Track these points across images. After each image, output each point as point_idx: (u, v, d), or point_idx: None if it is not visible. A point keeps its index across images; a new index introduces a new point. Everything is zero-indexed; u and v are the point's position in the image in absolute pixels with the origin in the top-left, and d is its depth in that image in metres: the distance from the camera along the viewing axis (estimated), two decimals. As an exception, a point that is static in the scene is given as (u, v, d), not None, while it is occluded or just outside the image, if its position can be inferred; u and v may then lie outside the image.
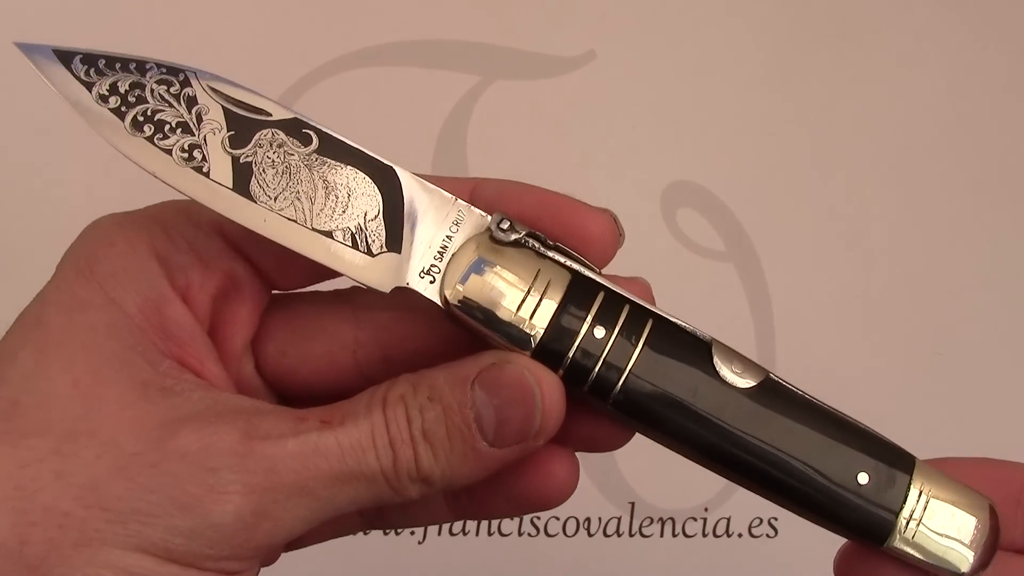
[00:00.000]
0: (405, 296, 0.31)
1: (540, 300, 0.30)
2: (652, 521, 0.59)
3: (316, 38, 0.62)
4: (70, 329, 0.30)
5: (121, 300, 0.30)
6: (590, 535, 0.59)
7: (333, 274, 0.33)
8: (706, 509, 0.60)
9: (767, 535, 0.60)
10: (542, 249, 0.30)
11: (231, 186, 0.30)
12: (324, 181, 0.31)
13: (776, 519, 0.60)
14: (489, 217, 0.31)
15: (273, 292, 0.34)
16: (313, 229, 0.31)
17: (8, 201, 0.60)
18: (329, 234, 0.31)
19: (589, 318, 0.30)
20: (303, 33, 0.62)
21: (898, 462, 0.30)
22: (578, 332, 0.30)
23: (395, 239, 0.31)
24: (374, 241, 0.31)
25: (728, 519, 0.60)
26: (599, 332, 0.30)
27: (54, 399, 0.28)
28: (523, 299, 0.30)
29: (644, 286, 0.32)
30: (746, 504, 0.59)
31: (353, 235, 0.31)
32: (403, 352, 0.33)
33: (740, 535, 0.60)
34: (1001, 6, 0.67)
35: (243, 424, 0.29)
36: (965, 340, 0.63)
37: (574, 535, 0.59)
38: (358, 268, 0.31)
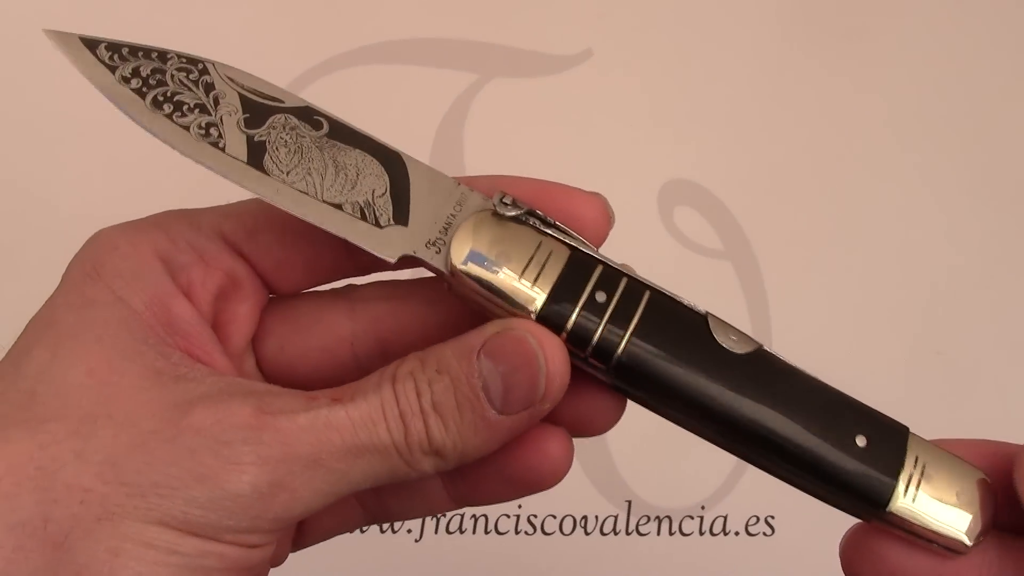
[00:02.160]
0: (410, 264, 0.32)
1: (542, 269, 0.31)
2: (649, 519, 0.59)
3: (313, 36, 0.62)
4: (81, 324, 0.30)
5: (128, 298, 0.31)
6: (587, 533, 0.59)
7: (329, 276, 0.34)
8: (703, 507, 0.60)
9: (764, 533, 0.60)
10: (542, 227, 0.31)
11: (246, 160, 0.31)
12: (334, 161, 0.32)
13: (773, 517, 0.60)
14: (491, 199, 0.32)
15: (271, 296, 0.35)
16: (324, 201, 0.32)
17: (8, 204, 0.60)
18: (339, 206, 0.32)
19: (589, 286, 0.31)
20: (300, 31, 0.62)
21: (893, 430, 0.31)
22: (580, 297, 0.31)
23: (402, 214, 0.32)
24: (382, 215, 0.32)
25: (725, 517, 0.60)
26: (600, 297, 0.31)
27: (70, 387, 0.29)
28: (525, 267, 0.31)
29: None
30: (743, 502, 0.59)
31: (362, 208, 0.32)
32: (400, 343, 0.34)
33: (737, 533, 0.60)
34: (1004, 5, 0.67)
35: (255, 401, 0.29)
36: (965, 339, 0.63)
37: (571, 533, 0.59)
38: (366, 236, 0.32)
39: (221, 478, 0.28)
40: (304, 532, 0.36)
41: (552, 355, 0.30)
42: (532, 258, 0.31)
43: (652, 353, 0.31)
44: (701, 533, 0.60)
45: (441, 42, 0.64)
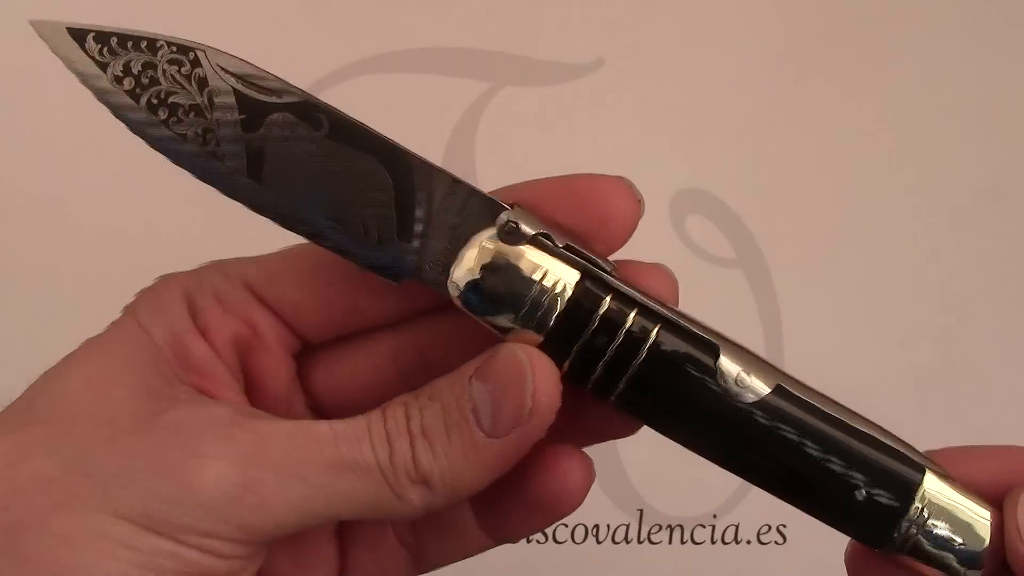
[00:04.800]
0: (415, 288, 0.31)
1: (547, 297, 0.30)
2: (661, 528, 0.59)
3: (325, 45, 0.62)
4: (97, 342, 0.31)
5: (151, 330, 0.31)
6: (599, 542, 0.59)
7: (351, 318, 0.34)
8: (715, 516, 0.59)
9: (776, 542, 0.59)
10: (552, 247, 0.30)
11: (246, 173, 0.30)
12: (336, 168, 0.31)
13: (785, 526, 0.60)
14: (502, 209, 0.30)
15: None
16: (328, 218, 0.31)
17: (8, 209, 0.60)
18: (341, 222, 0.31)
19: (596, 318, 0.30)
20: (312, 40, 0.62)
21: (900, 480, 0.30)
22: (578, 339, 0.30)
23: (406, 228, 0.31)
24: (385, 229, 0.31)
25: (737, 526, 0.60)
26: (600, 341, 0.30)
27: (66, 394, 0.29)
28: (525, 305, 0.30)
29: (663, 275, 0.32)
30: (755, 511, 0.59)
31: (364, 224, 0.31)
32: (442, 356, 0.33)
33: (749, 542, 0.60)
34: (1014, 11, 0.67)
35: (237, 406, 0.29)
36: (977, 348, 0.63)
37: (583, 542, 0.59)
38: (369, 255, 0.31)
39: (184, 471, 0.27)
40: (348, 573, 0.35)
41: (540, 370, 0.29)
42: (532, 293, 0.30)
43: (653, 396, 0.30)
44: (713, 542, 0.59)
45: (452, 51, 0.64)
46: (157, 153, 0.31)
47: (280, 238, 0.32)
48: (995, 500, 0.31)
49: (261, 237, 0.33)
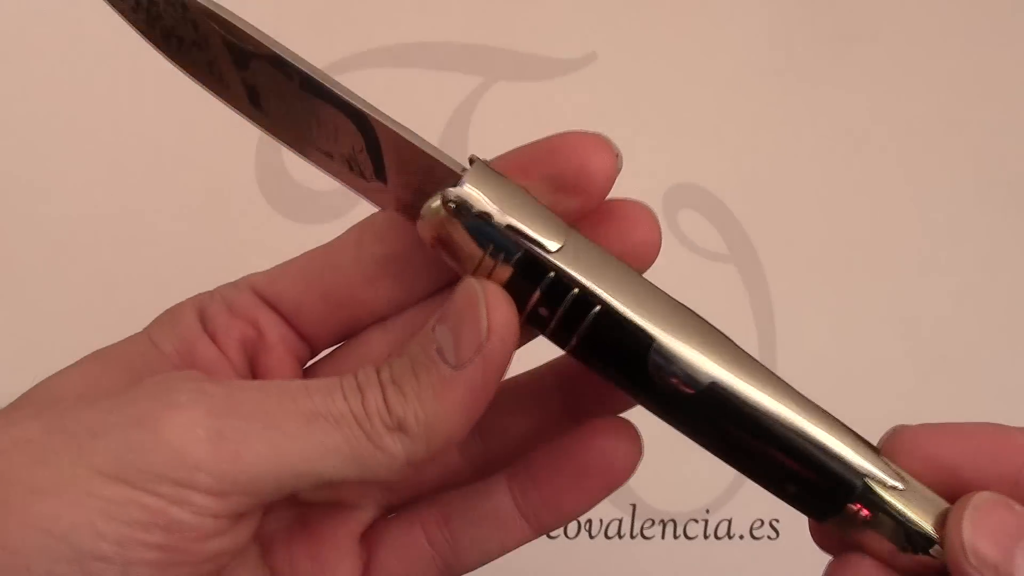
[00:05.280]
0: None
1: (494, 268, 0.30)
2: (653, 523, 0.59)
3: (316, 41, 0.62)
4: (101, 351, 0.32)
5: (160, 343, 0.33)
6: (591, 537, 0.59)
7: (350, 316, 0.34)
8: (707, 511, 0.59)
9: (768, 537, 0.60)
10: (492, 227, 0.30)
11: (247, 100, 0.32)
12: (314, 113, 0.32)
13: (778, 521, 0.60)
14: (459, 176, 0.30)
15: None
16: (320, 151, 0.32)
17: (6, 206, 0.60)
18: (331, 156, 0.32)
19: (535, 295, 0.30)
20: (304, 36, 0.62)
21: (838, 484, 0.30)
22: (525, 305, 0.30)
23: (380, 171, 0.32)
24: (365, 169, 0.32)
25: (729, 521, 0.60)
26: (543, 311, 0.30)
27: (63, 386, 0.30)
28: (479, 263, 0.30)
29: (638, 211, 0.32)
30: (748, 506, 0.59)
31: (348, 160, 0.32)
32: None
33: (742, 537, 0.60)
34: (1009, 6, 0.67)
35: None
36: (970, 342, 0.63)
37: (575, 537, 0.59)
38: (361, 186, 0.32)
39: (157, 419, 0.27)
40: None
41: (491, 291, 0.30)
42: (484, 256, 0.30)
43: (595, 368, 0.31)
44: (706, 537, 0.60)
45: (445, 46, 0.64)
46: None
47: (281, 240, 0.33)
48: (958, 481, 0.30)
49: (261, 236, 0.33)
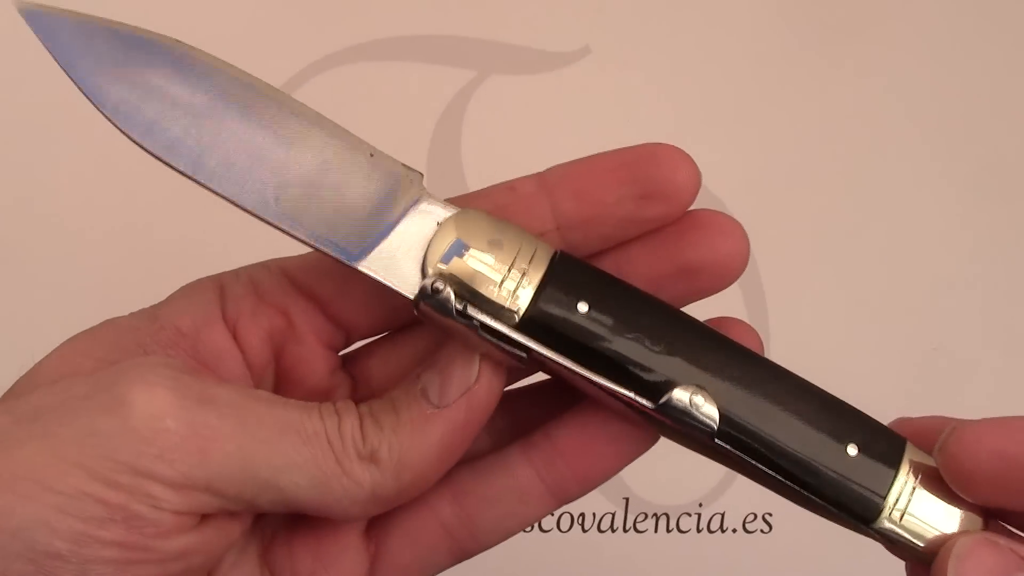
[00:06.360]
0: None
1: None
2: (646, 516, 0.59)
3: (310, 34, 0.62)
4: (92, 328, 0.31)
5: (165, 320, 0.31)
6: (584, 531, 0.59)
7: (396, 321, 0.33)
8: (700, 504, 0.60)
9: (761, 530, 0.60)
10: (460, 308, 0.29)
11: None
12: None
13: (771, 515, 0.60)
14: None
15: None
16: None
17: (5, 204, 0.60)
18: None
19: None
20: (297, 29, 0.62)
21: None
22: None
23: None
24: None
25: (722, 514, 0.60)
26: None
27: (41, 374, 0.30)
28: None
29: (725, 222, 0.33)
30: (741, 499, 0.59)
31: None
32: None
33: (735, 530, 0.60)
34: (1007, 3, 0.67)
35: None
36: (961, 334, 0.63)
37: (568, 531, 0.59)
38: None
39: (128, 405, 0.26)
40: (381, 568, 0.33)
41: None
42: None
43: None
44: (699, 530, 0.60)
45: (438, 39, 0.64)
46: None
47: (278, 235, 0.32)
48: None
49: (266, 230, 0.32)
